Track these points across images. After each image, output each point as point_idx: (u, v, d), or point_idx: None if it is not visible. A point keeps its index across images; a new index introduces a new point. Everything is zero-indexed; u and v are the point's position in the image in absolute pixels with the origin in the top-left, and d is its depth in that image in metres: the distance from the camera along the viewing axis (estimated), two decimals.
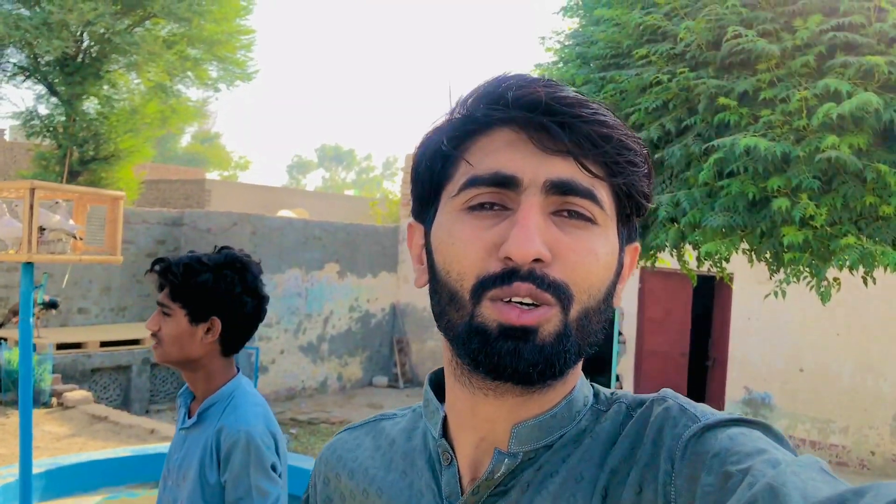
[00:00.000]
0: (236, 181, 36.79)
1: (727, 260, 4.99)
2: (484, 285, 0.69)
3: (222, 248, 2.12)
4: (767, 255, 4.68)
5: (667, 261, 6.06)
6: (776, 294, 4.51)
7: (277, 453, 2.00)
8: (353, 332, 13.22)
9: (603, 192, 0.73)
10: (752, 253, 4.81)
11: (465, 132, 0.75)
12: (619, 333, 11.75)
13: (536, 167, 0.71)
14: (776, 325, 10.37)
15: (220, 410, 2.01)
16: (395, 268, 14.03)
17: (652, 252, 5.59)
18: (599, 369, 12.88)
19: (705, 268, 5.52)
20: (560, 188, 0.71)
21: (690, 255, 6.00)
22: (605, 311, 0.74)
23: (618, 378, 11.70)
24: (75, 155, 18.77)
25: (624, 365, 11.63)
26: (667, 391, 0.78)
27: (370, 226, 14.35)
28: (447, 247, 0.73)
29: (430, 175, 0.78)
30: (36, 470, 6.68)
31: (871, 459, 9.80)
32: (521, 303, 0.68)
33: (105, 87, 19.44)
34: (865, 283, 4.29)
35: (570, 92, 0.72)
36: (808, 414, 10.20)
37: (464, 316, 0.71)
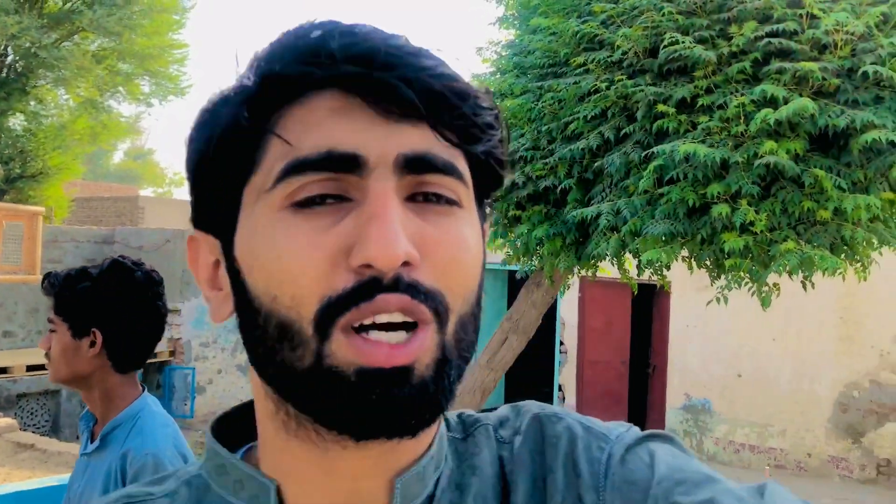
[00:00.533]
0: (171, 198, 36.11)
1: (668, 267, 5.00)
2: (334, 309, 0.50)
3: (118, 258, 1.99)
4: (708, 262, 4.70)
5: (607, 270, 6.06)
6: (718, 300, 4.52)
7: None
8: None
9: (463, 165, 0.56)
10: (693, 260, 4.83)
11: (271, 101, 0.54)
12: (561, 343, 11.78)
13: (383, 140, 0.52)
14: (714, 331, 10.50)
15: (124, 433, 1.87)
16: None
17: (593, 261, 5.57)
18: (542, 380, 12.89)
19: (646, 276, 5.53)
20: (416, 165, 0.53)
21: (630, 263, 6.02)
22: (478, 315, 0.57)
23: (560, 388, 11.72)
24: (1, 173, 18.18)
25: (566, 375, 11.66)
26: (531, 403, 0.65)
27: None
28: (271, 262, 0.52)
29: (225, 164, 0.55)
30: None
31: (807, 461, 9.97)
32: (389, 324, 0.51)
33: (32, 102, 18.91)
34: (805, 287, 4.32)
35: (405, 38, 0.56)
36: (748, 419, 10.34)
37: (305, 356, 0.52)
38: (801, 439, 10.05)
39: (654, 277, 5.51)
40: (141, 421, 1.88)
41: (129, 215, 20.83)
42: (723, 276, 4.65)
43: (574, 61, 4.66)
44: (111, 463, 1.83)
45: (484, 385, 6.48)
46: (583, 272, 5.82)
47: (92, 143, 21.08)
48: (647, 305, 11.36)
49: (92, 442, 1.93)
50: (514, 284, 12.77)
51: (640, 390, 11.53)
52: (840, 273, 4.03)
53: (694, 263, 5.02)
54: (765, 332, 10.10)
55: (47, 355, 1.92)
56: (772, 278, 4.39)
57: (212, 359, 11.62)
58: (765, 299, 4.44)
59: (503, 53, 6.29)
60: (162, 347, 11.18)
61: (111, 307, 1.89)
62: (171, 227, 12.32)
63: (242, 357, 12.12)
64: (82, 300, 1.88)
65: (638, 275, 5.61)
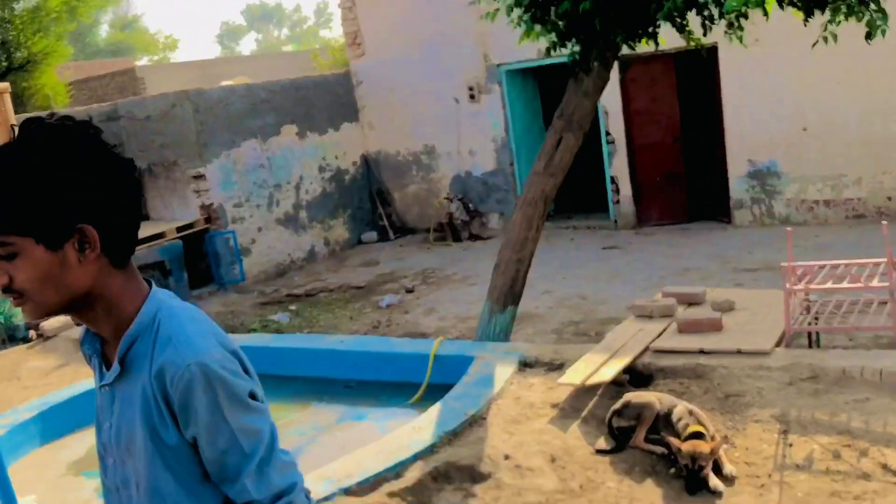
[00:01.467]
0: (168, 63, 34.79)
1: (746, 17, 4.22)
2: None
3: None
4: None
5: (663, 38, 5.28)
6: (825, 40, 3.79)
7: (247, 373, 1.40)
8: (328, 192, 12.47)
9: None
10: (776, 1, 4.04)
11: None
12: (607, 133, 11.05)
13: None
14: (771, 87, 9.68)
15: (148, 346, 1.39)
16: (356, 116, 13.08)
17: (653, 29, 4.81)
18: (592, 176, 12.17)
19: (719, 35, 4.74)
20: None
21: (691, 28, 5.23)
22: None
23: (613, 180, 11.11)
24: None
25: (617, 165, 11.02)
26: None
27: (319, 76, 13.28)
28: None
29: None
30: (27, 415, 6.14)
31: (888, 205, 9.41)
32: None
33: None
34: None
35: None
36: (819, 173, 9.70)
37: None
38: (878, 185, 9.43)
39: (728, 35, 4.72)
40: (163, 325, 1.38)
41: (130, 89, 19.96)
42: (819, 12, 3.88)
43: None
44: (144, 388, 1.37)
45: (545, 193, 5.90)
46: (640, 44, 5.05)
47: (71, 19, 19.91)
48: (693, 75, 10.44)
49: (107, 368, 1.45)
50: (546, 82, 11.89)
51: (699, 166, 10.86)
52: None
53: (771, 5, 4.25)
54: (827, 76, 9.24)
55: (7, 291, 1.35)
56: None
57: (249, 218, 11.17)
58: (875, 27, 3.70)
59: None
60: (195, 216, 10.74)
61: (85, 184, 1.32)
62: (173, 90, 11.52)
63: (280, 211, 11.67)
64: (42, 194, 1.29)
65: (704, 35, 4.84)
